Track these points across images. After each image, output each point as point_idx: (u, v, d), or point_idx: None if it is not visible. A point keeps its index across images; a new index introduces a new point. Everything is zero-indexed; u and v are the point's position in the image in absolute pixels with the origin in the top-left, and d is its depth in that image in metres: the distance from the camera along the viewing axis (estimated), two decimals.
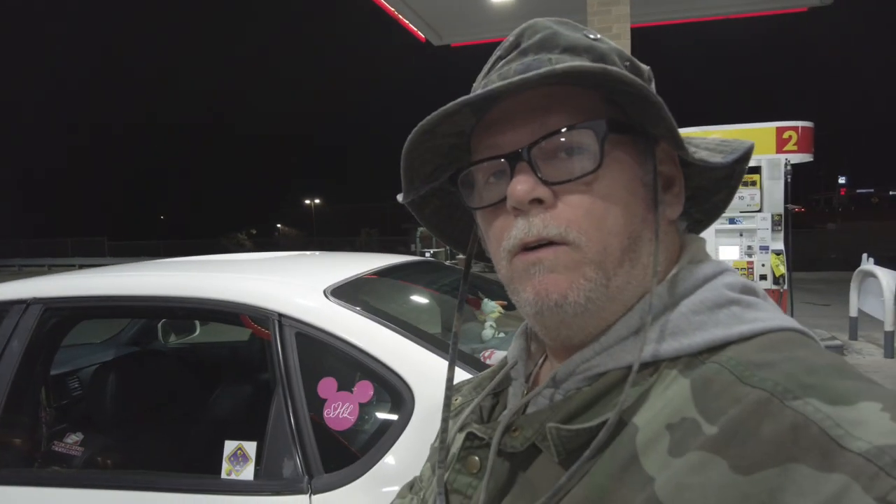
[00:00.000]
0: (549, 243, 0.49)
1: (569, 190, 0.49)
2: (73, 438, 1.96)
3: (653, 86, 0.56)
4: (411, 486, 0.69)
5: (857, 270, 6.48)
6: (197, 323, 3.20)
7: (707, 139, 0.57)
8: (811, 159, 5.86)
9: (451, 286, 2.33)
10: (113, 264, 2.51)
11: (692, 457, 0.41)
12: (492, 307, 2.28)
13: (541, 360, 0.63)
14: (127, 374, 2.30)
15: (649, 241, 0.51)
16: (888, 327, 5.85)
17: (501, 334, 2.23)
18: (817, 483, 0.36)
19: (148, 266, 2.00)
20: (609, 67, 0.45)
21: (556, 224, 0.49)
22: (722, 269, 0.53)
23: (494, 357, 1.78)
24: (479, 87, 0.54)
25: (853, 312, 6.53)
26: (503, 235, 0.52)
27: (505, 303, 2.37)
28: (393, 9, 6.68)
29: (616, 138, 0.50)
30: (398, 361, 1.32)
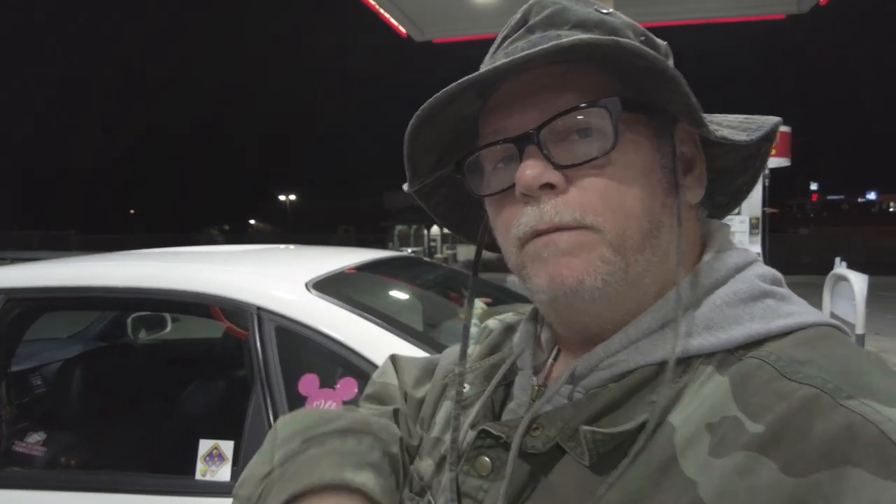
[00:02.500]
0: (564, 229, 0.46)
1: (582, 173, 0.46)
2: (35, 438, 1.86)
3: (671, 62, 0.52)
4: (410, 483, 0.63)
5: (829, 274, 6.60)
6: (168, 318, 3.10)
7: (729, 117, 0.53)
8: (788, 164, 5.97)
9: (434, 282, 2.28)
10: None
11: (737, 457, 0.38)
12: (475, 304, 2.25)
13: (553, 352, 0.58)
14: (93, 370, 2.20)
15: (670, 227, 0.48)
16: (859, 330, 5.95)
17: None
18: (877, 491, 0.33)
19: (118, 256, 1.91)
20: (621, 40, 0.42)
21: (569, 210, 0.46)
22: (752, 259, 0.51)
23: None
24: (484, 69, 0.51)
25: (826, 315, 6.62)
26: (512, 223, 0.49)
27: (489, 300, 2.34)
28: (374, 2, 6.60)
29: (631, 117, 0.47)
30: (381, 356, 1.27)
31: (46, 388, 2.45)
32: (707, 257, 0.50)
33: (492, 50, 0.53)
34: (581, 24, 0.48)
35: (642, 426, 0.43)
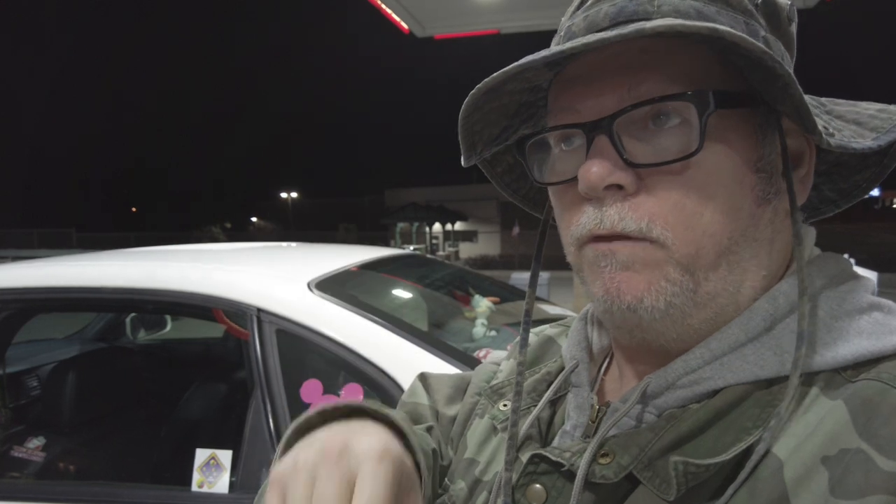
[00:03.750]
0: (626, 238, 0.41)
1: (657, 175, 0.40)
2: (35, 443, 1.81)
3: (793, 27, 0.45)
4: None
5: None
6: (167, 318, 3.03)
7: (860, 106, 0.45)
8: None
9: (442, 281, 2.22)
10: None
11: (873, 502, 0.32)
12: (483, 304, 2.19)
13: (603, 364, 0.52)
14: (89, 372, 2.14)
15: (753, 240, 0.41)
16: None
17: (493, 332, 2.13)
18: None
19: (113, 255, 1.84)
20: (719, 28, 0.34)
21: (635, 217, 0.40)
22: (850, 265, 0.45)
23: (490, 356, 1.68)
24: (563, 30, 0.45)
25: None
26: (573, 220, 0.43)
27: (497, 299, 2.27)
28: None
29: (726, 113, 0.39)
30: (391, 362, 1.21)
31: (41, 391, 2.39)
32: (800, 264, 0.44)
33: (573, 5, 0.46)
34: None
35: (739, 455, 0.37)
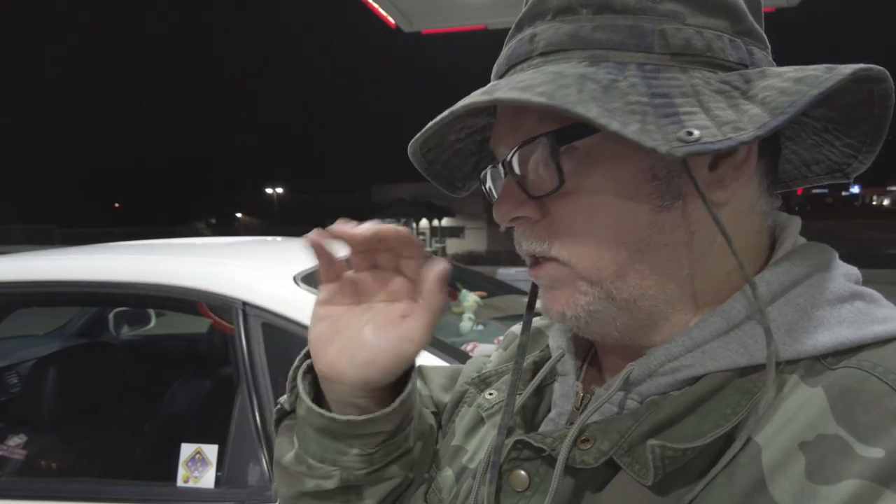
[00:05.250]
0: (542, 259, 0.45)
1: (552, 203, 0.43)
2: (16, 441, 1.78)
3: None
4: (426, 494, 0.57)
5: None
6: (152, 313, 3.00)
7: (787, 74, 0.38)
8: None
9: None
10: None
11: (850, 486, 0.33)
12: (470, 298, 2.19)
13: (588, 354, 0.53)
14: (71, 368, 2.10)
15: (664, 245, 0.41)
16: None
17: (480, 326, 2.13)
18: None
19: (95, 249, 1.81)
20: (532, 99, 0.36)
21: (537, 241, 0.45)
22: (834, 255, 0.45)
23: (478, 350, 1.68)
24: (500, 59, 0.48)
25: None
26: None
27: (484, 294, 2.28)
28: None
29: (589, 142, 0.41)
30: None
31: (21, 388, 2.35)
32: (782, 252, 0.44)
33: (510, 33, 0.47)
34: (564, 10, 0.41)
35: (719, 441, 0.37)
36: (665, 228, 0.42)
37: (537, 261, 0.45)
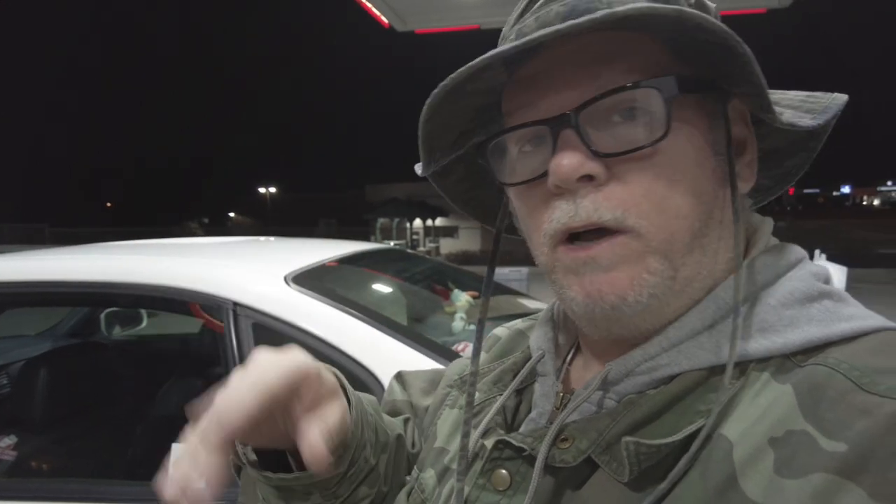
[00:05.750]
0: (602, 230, 0.41)
1: (626, 164, 0.40)
2: (7, 442, 1.77)
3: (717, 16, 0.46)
4: (409, 494, 0.58)
5: None
6: (143, 313, 2.99)
7: (789, 94, 0.47)
8: None
9: (421, 275, 2.22)
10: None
11: (814, 480, 0.33)
12: (462, 298, 2.20)
13: (569, 355, 0.53)
14: (62, 369, 2.10)
15: (720, 222, 0.43)
16: None
17: (472, 326, 2.14)
18: None
19: (85, 249, 1.81)
20: (685, 10, 0.35)
21: (609, 207, 0.40)
22: (803, 256, 0.46)
23: (468, 350, 1.68)
24: (510, 34, 0.45)
25: None
26: (544, 217, 0.43)
27: (476, 293, 2.28)
28: None
29: (685, 98, 0.40)
30: (367, 355, 1.21)
31: (11, 389, 2.34)
32: (755, 252, 0.45)
33: (517, 11, 0.46)
34: None
35: (692, 439, 0.38)
36: (724, 204, 0.43)
37: (594, 235, 0.41)
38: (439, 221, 26.18)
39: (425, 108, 0.43)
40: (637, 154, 0.40)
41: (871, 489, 0.31)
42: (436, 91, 0.41)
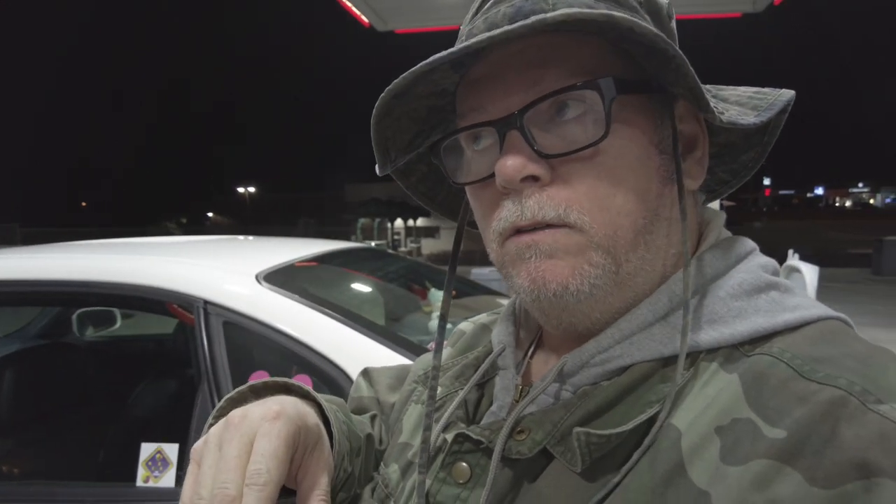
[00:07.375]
0: (547, 226, 0.42)
1: (569, 163, 0.41)
2: None
3: (673, 24, 0.48)
4: (373, 490, 0.58)
5: (783, 265, 6.81)
6: (117, 314, 2.94)
7: (739, 90, 0.48)
8: None
9: (396, 274, 2.22)
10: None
11: (755, 466, 0.34)
12: (439, 297, 2.20)
13: (530, 349, 0.54)
14: (31, 370, 2.06)
15: (666, 219, 0.44)
16: None
17: (449, 325, 2.15)
18: None
19: (55, 248, 1.78)
20: (615, 14, 0.36)
21: (552, 205, 0.41)
22: (753, 248, 0.48)
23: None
24: (463, 34, 0.46)
25: None
26: (493, 216, 0.45)
27: (454, 292, 2.29)
28: None
29: (626, 99, 0.42)
30: (339, 353, 1.21)
31: None
32: (706, 246, 0.47)
33: (471, 12, 0.47)
34: None
35: (643, 427, 0.39)
36: (667, 203, 0.44)
37: (534, 229, 0.42)
38: (420, 222, 26.16)
39: (375, 109, 0.43)
40: (580, 154, 0.41)
41: (807, 473, 0.32)
42: (383, 94, 0.42)
